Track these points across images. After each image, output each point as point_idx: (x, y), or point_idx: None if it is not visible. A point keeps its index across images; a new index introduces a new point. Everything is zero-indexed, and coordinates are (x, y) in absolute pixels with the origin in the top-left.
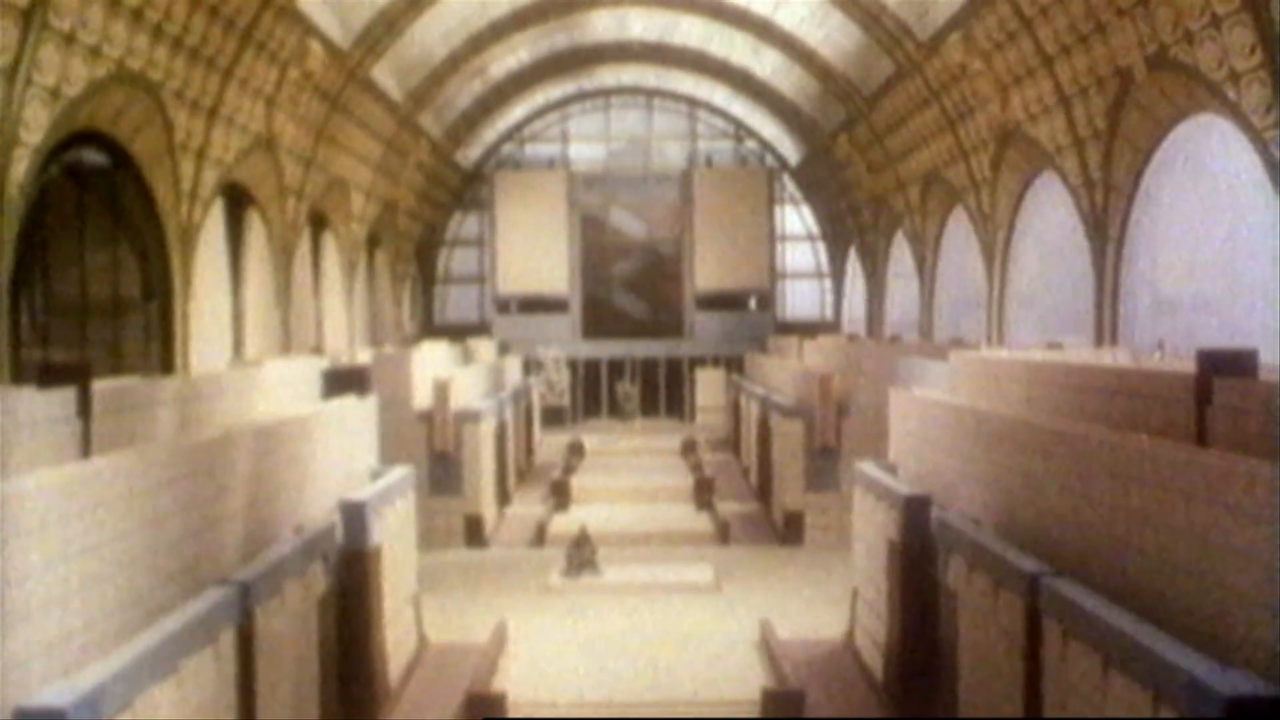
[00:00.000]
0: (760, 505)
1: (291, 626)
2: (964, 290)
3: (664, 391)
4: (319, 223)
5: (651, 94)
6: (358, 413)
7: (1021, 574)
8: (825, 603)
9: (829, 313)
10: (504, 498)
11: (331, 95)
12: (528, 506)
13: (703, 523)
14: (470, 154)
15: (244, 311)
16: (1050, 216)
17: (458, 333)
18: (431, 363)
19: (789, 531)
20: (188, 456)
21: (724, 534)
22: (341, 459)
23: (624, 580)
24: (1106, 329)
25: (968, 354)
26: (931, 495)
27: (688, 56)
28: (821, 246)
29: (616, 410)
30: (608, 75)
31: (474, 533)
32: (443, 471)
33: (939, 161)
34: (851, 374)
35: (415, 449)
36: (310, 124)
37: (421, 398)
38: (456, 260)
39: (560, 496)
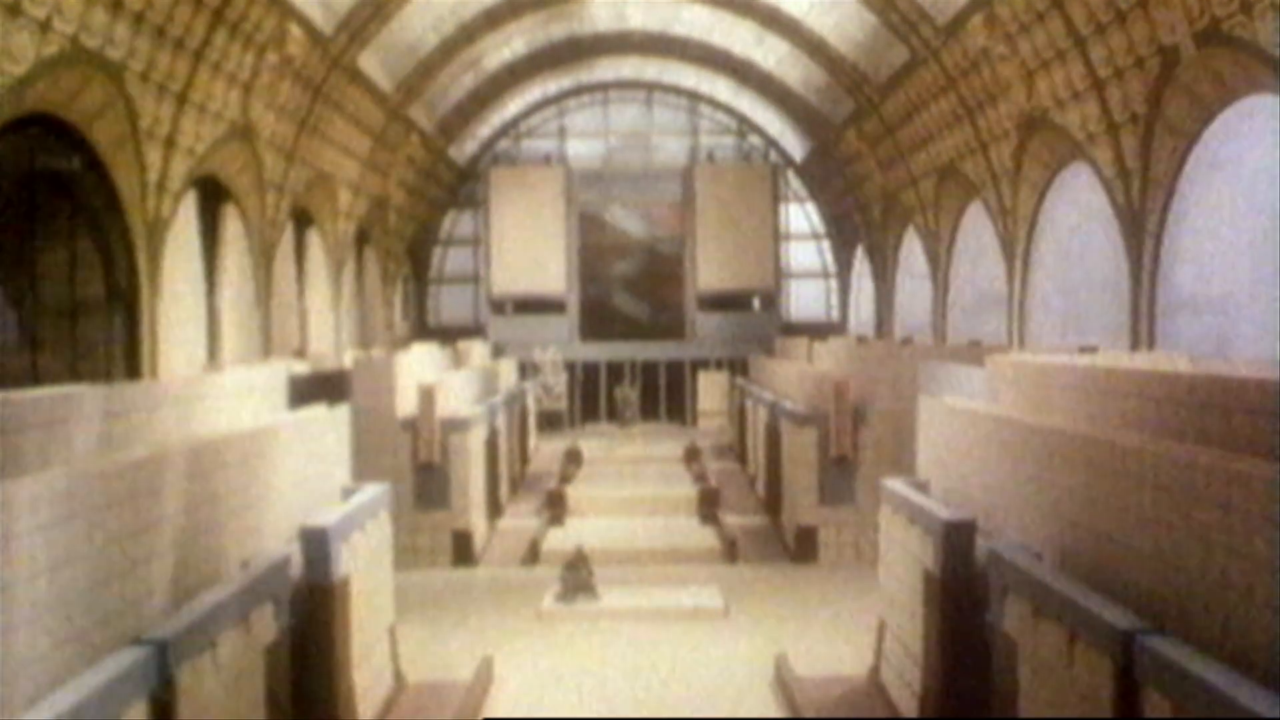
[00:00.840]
0: (769, 518)
1: (228, 686)
2: (981, 290)
3: (664, 395)
4: (303, 219)
5: (651, 88)
6: (328, 424)
7: (1111, 629)
8: (845, 630)
9: (834, 314)
10: (495, 510)
11: (314, 84)
12: (521, 519)
13: (708, 538)
14: (464, 149)
15: (220, 313)
16: (1078, 211)
17: (452, 335)
18: (418, 367)
19: (801, 548)
20: (100, 484)
21: (731, 551)
22: (306, 478)
23: (623, 605)
24: (1144, 331)
25: (1008, 358)
26: (974, 521)
27: (689, 48)
28: (827, 245)
29: (616, 415)
30: (606, 68)
31: (462, 550)
32: (428, 484)
33: (955, 154)
34: (867, 378)
35: (399, 460)
36: (292, 114)
37: (406, 405)
38: (451, 260)
39: (556, 509)
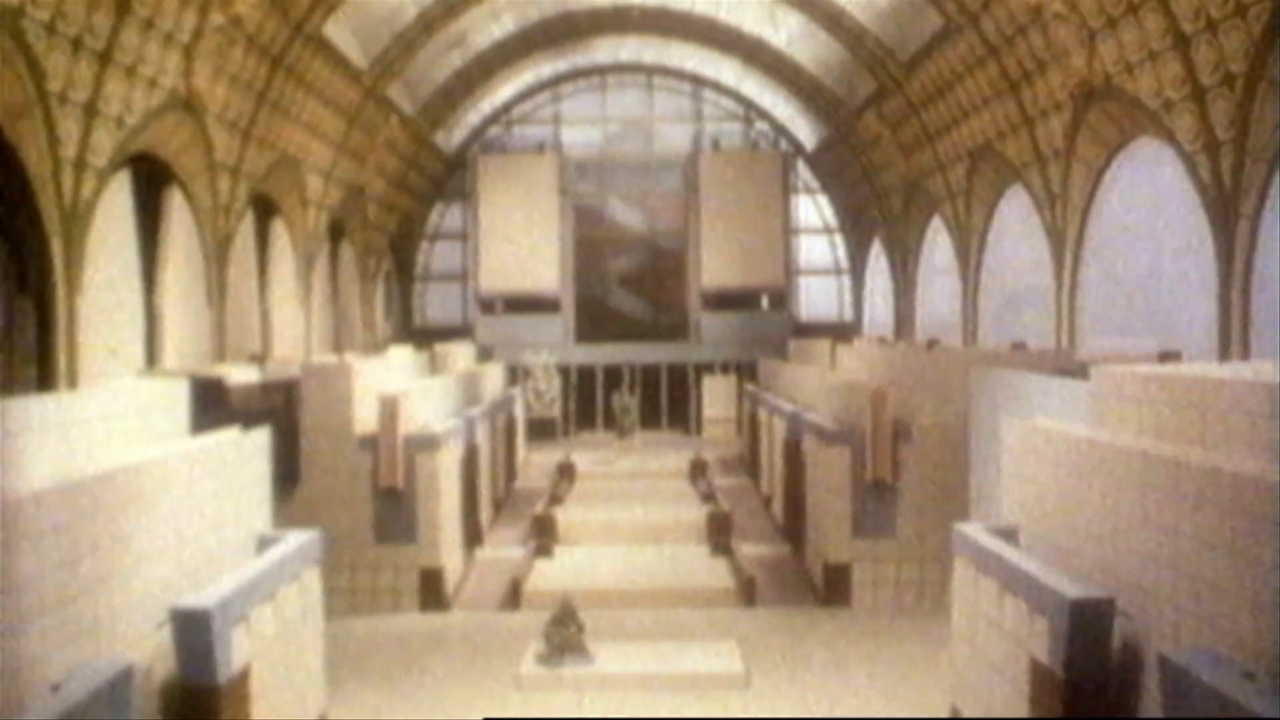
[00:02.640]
0: (790, 548)
1: None
2: (1016, 286)
3: (666, 402)
4: (265, 208)
5: (652, 71)
6: (240, 455)
7: None
8: (896, 707)
9: (848, 313)
10: (474, 538)
11: (273, 52)
12: (504, 549)
13: (721, 574)
14: (452, 137)
15: (161, 313)
16: (1145, 192)
17: (439, 335)
18: (384, 373)
19: (831, 589)
20: None
21: (748, 591)
22: (198, 533)
23: (621, 671)
24: (1235, 333)
25: (1130, 369)
26: (1114, 601)
27: (693, 25)
28: (839, 239)
29: (613, 423)
30: (603, 49)
31: (431, 590)
32: (391, 514)
33: (993, 134)
34: (905, 387)
35: (357, 486)
36: (246, 86)
37: (367, 419)
38: (438, 255)
39: (544, 537)
